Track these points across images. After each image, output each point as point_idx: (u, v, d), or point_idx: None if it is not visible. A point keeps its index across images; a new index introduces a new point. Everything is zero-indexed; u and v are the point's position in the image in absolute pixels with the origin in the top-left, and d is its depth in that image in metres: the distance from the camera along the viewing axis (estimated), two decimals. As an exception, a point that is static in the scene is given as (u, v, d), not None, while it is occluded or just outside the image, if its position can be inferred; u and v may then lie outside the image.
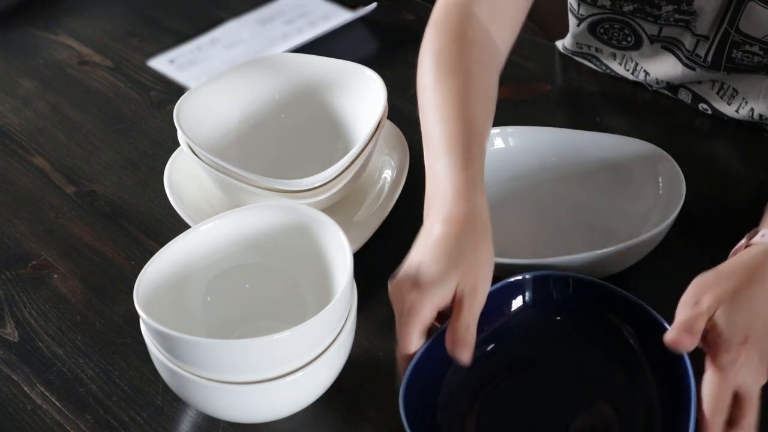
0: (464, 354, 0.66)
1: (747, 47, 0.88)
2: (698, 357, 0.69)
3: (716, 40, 0.91)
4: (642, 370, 0.71)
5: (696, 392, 0.65)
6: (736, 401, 0.64)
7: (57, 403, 0.76)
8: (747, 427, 0.64)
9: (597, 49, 1.05)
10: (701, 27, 0.92)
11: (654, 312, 0.70)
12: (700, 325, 0.66)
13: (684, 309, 0.68)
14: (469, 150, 0.75)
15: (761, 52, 0.88)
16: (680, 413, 0.66)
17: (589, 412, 0.72)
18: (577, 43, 1.06)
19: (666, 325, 0.69)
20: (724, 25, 0.90)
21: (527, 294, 0.75)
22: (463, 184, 0.73)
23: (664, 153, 0.85)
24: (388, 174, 0.92)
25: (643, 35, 0.97)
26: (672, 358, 0.68)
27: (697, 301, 0.68)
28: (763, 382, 0.66)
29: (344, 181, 0.84)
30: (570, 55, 1.10)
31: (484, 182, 0.75)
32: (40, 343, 0.81)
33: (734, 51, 0.90)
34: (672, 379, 0.68)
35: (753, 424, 0.65)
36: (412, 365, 0.69)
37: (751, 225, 0.89)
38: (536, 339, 0.75)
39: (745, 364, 0.66)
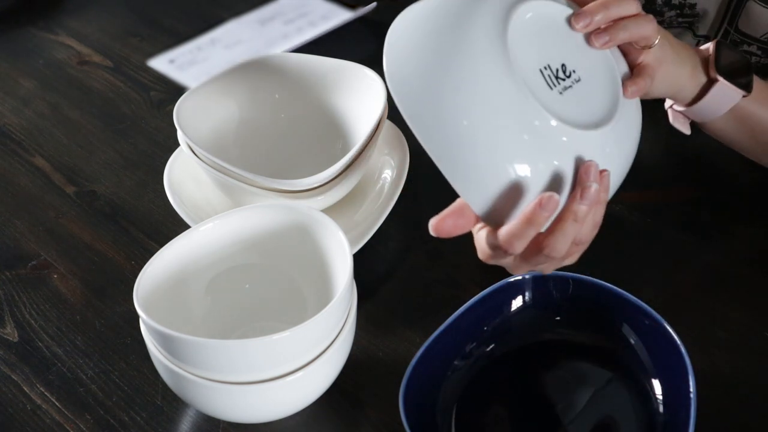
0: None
1: (745, 47, 0.89)
2: (700, 358, 0.69)
3: (716, 37, 0.91)
4: (642, 370, 0.71)
5: (696, 392, 0.65)
6: None
7: (57, 403, 0.76)
8: None
9: None
10: (703, 28, 0.92)
11: (654, 312, 0.70)
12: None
13: None
14: None
15: (759, 52, 0.88)
16: (680, 413, 0.66)
17: (588, 412, 0.72)
18: None
19: (666, 325, 0.69)
20: (725, 25, 0.90)
21: (527, 294, 0.75)
22: None
23: None
24: (388, 174, 0.92)
25: None
26: (672, 358, 0.68)
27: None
28: None
29: (344, 181, 0.84)
30: None
31: None
32: (40, 343, 0.81)
33: None
34: (672, 379, 0.68)
35: None
36: (412, 365, 0.69)
37: (748, 221, 0.90)
38: (536, 339, 0.75)
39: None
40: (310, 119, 0.94)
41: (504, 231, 0.60)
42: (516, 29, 0.62)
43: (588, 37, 0.65)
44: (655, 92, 0.75)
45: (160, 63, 1.17)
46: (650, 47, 0.69)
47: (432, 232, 0.61)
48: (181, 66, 1.16)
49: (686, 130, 0.83)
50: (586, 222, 0.61)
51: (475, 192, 0.60)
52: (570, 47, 0.65)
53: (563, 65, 0.64)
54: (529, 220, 0.59)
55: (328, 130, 0.94)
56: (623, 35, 0.66)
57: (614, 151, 0.64)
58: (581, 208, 0.60)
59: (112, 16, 1.27)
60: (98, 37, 1.22)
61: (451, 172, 0.60)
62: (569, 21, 0.65)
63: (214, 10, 1.27)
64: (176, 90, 1.11)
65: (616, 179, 0.66)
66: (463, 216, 0.61)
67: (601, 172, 0.61)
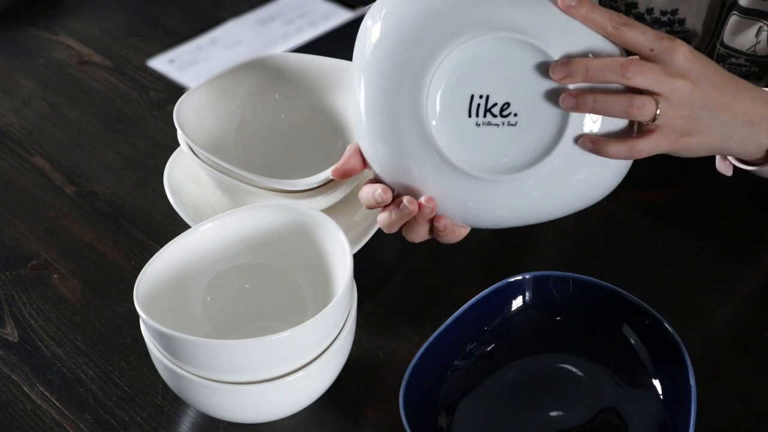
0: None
1: (733, 60, 0.89)
2: (700, 358, 0.69)
3: (705, 53, 0.92)
4: (642, 370, 0.71)
5: (696, 392, 0.65)
6: None
7: (57, 403, 0.76)
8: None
9: None
10: (695, 42, 0.92)
11: (654, 312, 0.70)
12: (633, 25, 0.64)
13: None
14: None
15: (747, 64, 0.88)
16: (680, 413, 0.66)
17: (589, 412, 0.72)
18: None
19: (666, 324, 0.69)
20: (713, 39, 0.90)
21: (527, 294, 0.75)
22: None
23: None
24: (388, 174, 0.92)
25: None
26: (672, 358, 0.68)
27: (662, 37, 0.65)
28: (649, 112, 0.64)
29: (345, 182, 0.84)
30: None
31: None
32: (40, 343, 0.81)
33: (720, 64, 0.90)
34: (672, 379, 0.68)
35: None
36: (412, 365, 0.69)
37: (748, 221, 0.90)
38: (536, 339, 0.75)
39: (662, 83, 0.64)
40: (310, 119, 0.94)
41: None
42: (484, 47, 0.62)
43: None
44: (687, 156, 0.70)
45: (160, 63, 1.17)
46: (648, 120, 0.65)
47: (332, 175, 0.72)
48: (181, 66, 1.16)
49: (728, 173, 0.80)
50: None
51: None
52: (534, 93, 0.63)
53: (507, 103, 0.63)
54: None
55: (328, 130, 0.94)
56: (591, 107, 0.63)
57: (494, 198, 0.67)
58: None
59: (112, 16, 1.27)
60: (98, 37, 1.22)
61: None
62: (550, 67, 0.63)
63: (214, 10, 1.27)
64: (176, 90, 1.11)
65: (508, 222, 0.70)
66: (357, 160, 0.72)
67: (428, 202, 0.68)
